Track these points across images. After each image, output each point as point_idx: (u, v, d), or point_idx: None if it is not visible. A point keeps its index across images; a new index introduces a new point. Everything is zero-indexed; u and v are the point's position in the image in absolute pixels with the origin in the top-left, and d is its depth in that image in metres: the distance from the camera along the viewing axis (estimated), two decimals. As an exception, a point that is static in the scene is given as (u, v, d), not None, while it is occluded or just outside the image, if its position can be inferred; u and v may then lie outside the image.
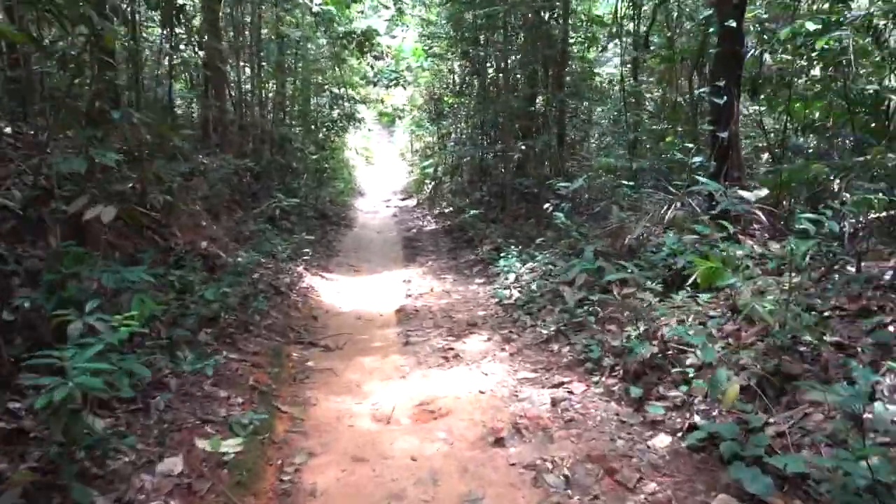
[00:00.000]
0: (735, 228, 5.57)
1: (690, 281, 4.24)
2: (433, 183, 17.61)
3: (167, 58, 7.92)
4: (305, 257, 9.66)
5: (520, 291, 7.60)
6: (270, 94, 15.01)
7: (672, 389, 4.18)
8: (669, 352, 4.60)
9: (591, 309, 5.65)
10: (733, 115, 6.40)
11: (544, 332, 6.06)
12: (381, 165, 29.43)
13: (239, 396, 4.27)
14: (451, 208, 16.14)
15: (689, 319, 4.93)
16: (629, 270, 5.29)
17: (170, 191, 7.07)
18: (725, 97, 6.29)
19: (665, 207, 6.35)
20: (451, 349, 5.96)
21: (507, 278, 8.25)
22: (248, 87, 14.25)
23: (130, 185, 6.71)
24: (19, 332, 3.79)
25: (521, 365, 5.44)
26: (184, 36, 7.11)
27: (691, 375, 4.02)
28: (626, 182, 7.08)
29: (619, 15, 12.07)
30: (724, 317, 4.66)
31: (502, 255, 8.71)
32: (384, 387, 5.15)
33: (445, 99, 16.91)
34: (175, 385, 4.02)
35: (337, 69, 17.55)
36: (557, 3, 10.14)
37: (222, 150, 10.20)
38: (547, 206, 8.10)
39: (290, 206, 10.52)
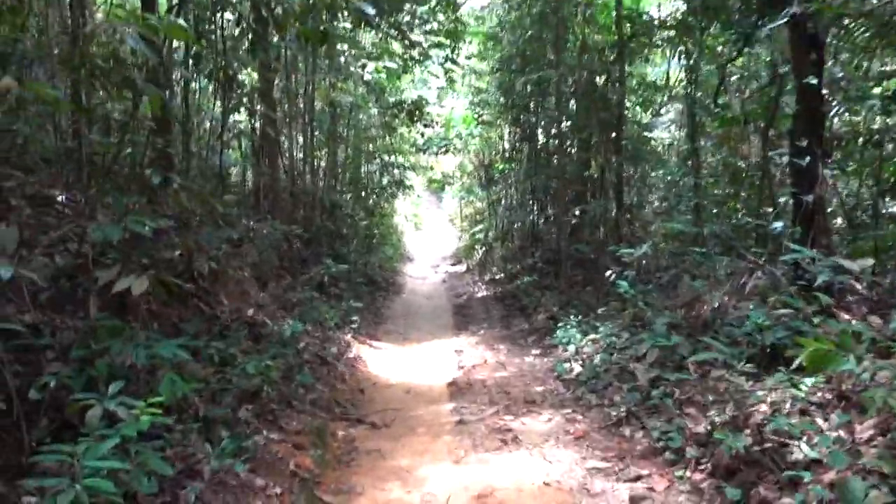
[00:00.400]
0: (829, 301, 4.96)
1: (796, 364, 3.68)
2: (483, 248, 17.28)
3: (221, 126, 7.91)
4: (353, 325, 9.34)
5: (581, 365, 7.03)
6: (322, 162, 15.16)
7: (778, 493, 3.55)
8: (767, 444, 3.98)
9: (667, 390, 5.06)
10: (818, 177, 5.88)
11: (613, 413, 5.48)
12: (430, 231, 29.46)
13: (277, 485, 3.84)
14: (501, 274, 15.73)
15: (786, 406, 4.31)
16: (714, 347, 4.72)
17: (216, 258, 6.91)
18: (808, 158, 5.80)
19: (745, 277, 5.78)
20: (510, 430, 5.42)
21: (566, 350, 7.70)
22: (300, 155, 14.44)
23: (178, 252, 6.59)
24: (45, 413, 3.50)
25: (589, 451, 4.86)
26: (235, 103, 7.10)
27: (806, 480, 3.38)
28: (696, 248, 6.56)
29: (674, 79, 11.83)
30: (831, 405, 4.03)
31: (560, 325, 8.19)
32: (437, 473, 4.64)
33: (496, 165, 16.78)
34: (208, 473, 3.62)
35: (387, 137, 17.74)
36: (613, 67, 9.94)
37: (273, 216, 10.14)
38: (609, 273, 7.61)
39: (340, 272, 10.30)
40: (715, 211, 8.76)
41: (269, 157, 11.86)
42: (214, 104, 7.51)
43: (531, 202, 14.80)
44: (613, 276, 7.48)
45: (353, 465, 4.77)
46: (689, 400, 5.13)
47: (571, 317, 8.11)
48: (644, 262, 7.35)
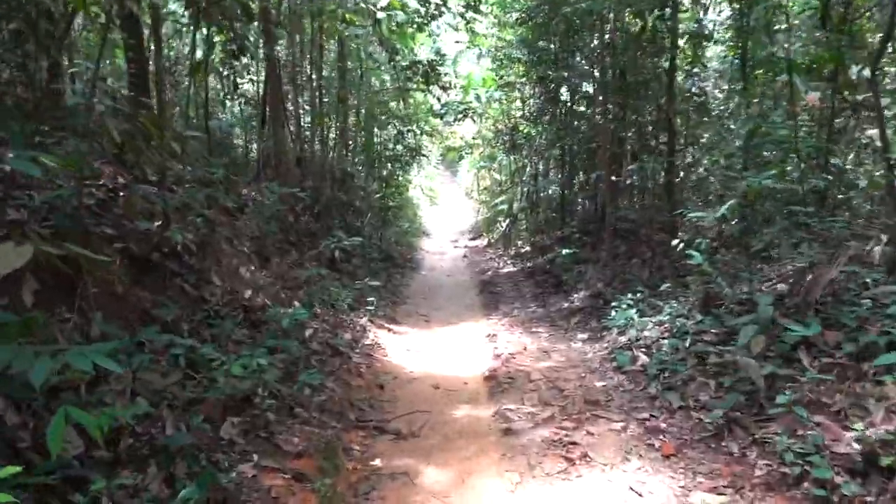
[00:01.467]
0: None
1: None
2: (508, 220, 15.98)
3: (194, 60, 6.52)
4: (370, 307, 8.14)
5: (646, 354, 5.80)
6: (331, 132, 13.93)
7: None
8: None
9: (794, 393, 3.77)
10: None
11: (707, 420, 4.23)
12: (446, 205, 28.31)
13: (266, 549, 2.66)
14: (528, 248, 14.49)
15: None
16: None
17: (204, 226, 5.71)
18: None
19: (871, 243, 4.48)
20: (574, 443, 4.21)
21: (622, 335, 6.46)
22: (308, 121, 13.26)
23: (158, 222, 5.40)
24: None
25: (689, 477, 3.63)
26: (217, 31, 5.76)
27: None
28: (799, 208, 5.23)
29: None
30: None
31: (613, 304, 6.93)
32: (486, 509, 3.46)
33: (520, 129, 15.40)
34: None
35: (402, 103, 16.43)
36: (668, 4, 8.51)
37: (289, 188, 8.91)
38: (676, 242, 6.31)
39: (353, 246, 9.09)
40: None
41: (274, 121, 10.66)
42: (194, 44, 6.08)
43: (562, 168, 13.48)
44: (682, 244, 6.18)
45: (374, 497, 3.59)
46: (813, 403, 3.88)
47: (629, 294, 6.83)
48: (722, 227, 6.05)
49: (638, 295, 6.83)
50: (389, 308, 9.18)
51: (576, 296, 8.83)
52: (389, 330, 7.96)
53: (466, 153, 21.54)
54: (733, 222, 5.78)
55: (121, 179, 5.93)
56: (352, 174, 14.16)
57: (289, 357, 4.94)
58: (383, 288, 9.93)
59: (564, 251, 9.81)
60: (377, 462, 4.10)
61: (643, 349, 5.93)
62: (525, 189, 15.81)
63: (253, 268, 7.24)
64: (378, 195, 15.40)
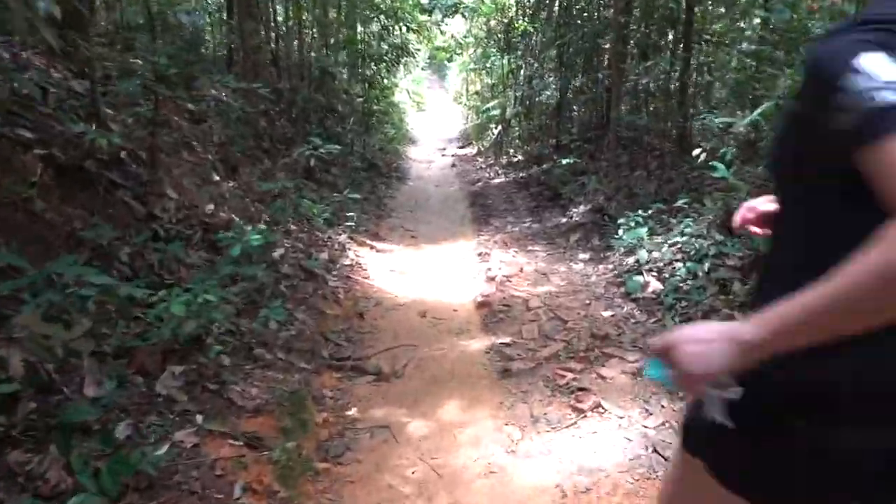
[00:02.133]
0: None
1: None
2: (500, 127, 15.00)
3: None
4: (350, 222, 7.40)
5: (658, 279, 5.18)
6: (312, 29, 12.65)
7: None
8: None
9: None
10: None
11: (737, 362, 3.64)
12: (433, 111, 27.09)
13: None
14: (520, 157, 13.63)
15: None
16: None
17: (149, 128, 4.85)
18: None
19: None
20: (583, 389, 3.62)
21: (631, 255, 5.81)
22: (284, 13, 12.01)
23: (95, 124, 4.55)
24: None
25: (722, 435, 3.07)
26: None
27: None
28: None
29: None
30: None
31: (620, 222, 6.24)
32: (482, 475, 2.89)
33: (516, 25, 14.13)
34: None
35: (387, -2, 14.98)
36: None
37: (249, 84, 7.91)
38: (698, 151, 5.55)
39: (331, 154, 8.21)
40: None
41: (242, 12, 9.47)
42: None
43: (559, 70, 12.40)
44: (703, 154, 5.42)
45: (348, 460, 3.00)
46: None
47: (640, 210, 6.12)
48: (751, 135, 5.31)
49: (648, 211, 6.13)
50: (372, 223, 8.45)
51: (575, 210, 8.13)
52: (372, 247, 7.26)
53: (456, 54, 20.14)
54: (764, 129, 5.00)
55: (54, 73, 5.04)
56: (332, 74, 12.99)
57: (251, 285, 4.24)
58: (365, 200, 9.15)
59: (564, 161, 9.00)
60: (353, 412, 3.50)
61: (654, 273, 5.30)
62: (518, 93, 14.73)
63: (217, 178, 6.43)
64: (361, 98, 14.29)
